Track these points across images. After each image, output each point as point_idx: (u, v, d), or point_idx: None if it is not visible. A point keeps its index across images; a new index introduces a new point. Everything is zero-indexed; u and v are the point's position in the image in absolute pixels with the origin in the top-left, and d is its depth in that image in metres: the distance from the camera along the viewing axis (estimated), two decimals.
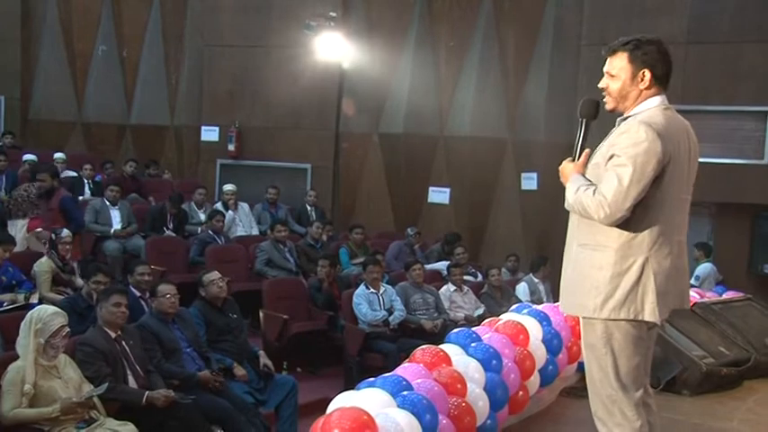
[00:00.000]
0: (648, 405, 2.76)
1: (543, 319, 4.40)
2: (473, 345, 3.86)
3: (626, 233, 2.60)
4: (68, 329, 4.25)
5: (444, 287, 7.77)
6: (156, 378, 4.75)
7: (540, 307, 4.66)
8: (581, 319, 2.75)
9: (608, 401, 2.67)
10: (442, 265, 8.49)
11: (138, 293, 5.74)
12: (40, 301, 5.72)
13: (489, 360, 3.72)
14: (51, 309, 4.39)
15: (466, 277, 8.42)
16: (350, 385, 5.14)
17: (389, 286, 7.31)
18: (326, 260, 7.69)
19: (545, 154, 10.32)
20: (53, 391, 4.08)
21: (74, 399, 4.05)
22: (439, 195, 11.18)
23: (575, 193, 2.64)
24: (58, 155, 10.40)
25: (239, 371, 5.35)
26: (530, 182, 10.64)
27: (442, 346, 3.77)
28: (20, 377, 4.03)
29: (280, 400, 5.36)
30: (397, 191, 11.46)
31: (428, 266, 8.42)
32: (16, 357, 4.15)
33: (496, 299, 8.06)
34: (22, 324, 4.22)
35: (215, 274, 5.71)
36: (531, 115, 10.71)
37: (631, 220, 2.58)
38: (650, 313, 2.59)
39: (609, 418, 2.67)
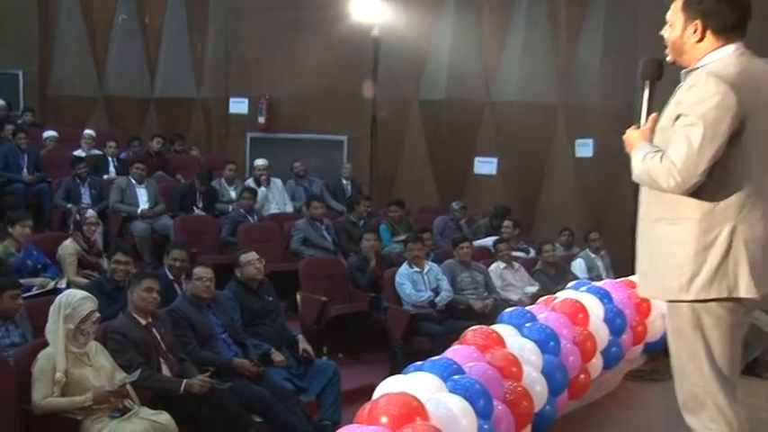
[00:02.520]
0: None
1: (604, 296, 4.34)
2: (528, 325, 3.84)
3: (707, 201, 2.43)
4: (98, 314, 4.33)
5: (494, 265, 7.75)
6: (189, 366, 4.81)
7: (600, 283, 4.61)
8: (666, 303, 2.59)
9: (701, 392, 2.51)
10: (490, 241, 8.45)
11: (171, 276, 5.83)
12: (68, 286, 5.84)
13: (546, 341, 3.70)
14: (80, 293, 4.46)
15: (517, 254, 8.38)
16: (395, 370, 5.14)
17: (434, 264, 7.29)
18: (372, 233, 7.69)
19: (601, 118, 10.16)
20: (84, 380, 4.16)
21: (107, 387, 4.13)
22: (486, 166, 11.11)
23: (641, 161, 2.48)
24: (87, 132, 10.56)
25: (277, 356, 5.40)
26: (584, 149, 10.50)
27: (494, 327, 3.75)
28: (50, 365, 4.12)
29: (321, 387, 5.39)
30: (439, 162, 11.41)
31: (475, 243, 8.40)
32: (46, 344, 4.24)
33: (551, 276, 8.01)
34: (51, 310, 4.31)
35: (252, 255, 5.76)
36: (584, 77, 10.54)
37: (710, 186, 2.41)
38: (746, 288, 2.42)
39: (702, 411, 2.52)
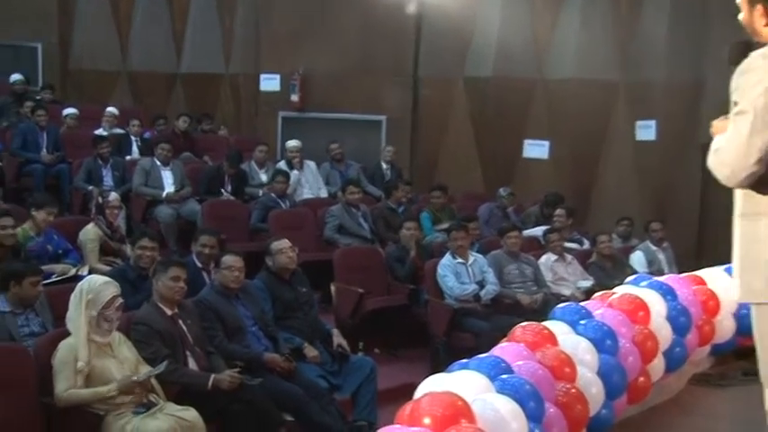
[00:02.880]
0: None
1: (667, 292, 4.30)
2: (583, 322, 3.82)
3: None
4: (122, 300, 4.42)
5: (544, 256, 7.71)
6: (217, 360, 4.87)
7: (662, 278, 4.56)
8: (751, 306, 2.58)
9: None
10: (540, 231, 8.41)
11: (199, 264, 5.90)
12: (90, 273, 5.93)
13: (603, 340, 3.68)
14: (102, 278, 4.55)
15: (570, 245, 8.32)
16: (436, 369, 5.16)
17: (480, 255, 7.28)
18: (413, 222, 7.70)
19: (665, 97, 10.01)
20: (107, 372, 4.24)
21: (133, 377, 4.20)
22: (536, 149, 11.03)
23: (710, 153, 2.49)
24: (109, 109, 10.70)
25: (311, 351, 5.44)
26: (646, 131, 10.36)
27: (546, 324, 3.73)
28: (72, 355, 4.20)
29: (357, 385, 5.41)
30: (486, 144, 11.36)
31: (524, 232, 8.35)
32: (67, 334, 4.33)
33: (607, 270, 7.95)
34: (72, 297, 4.40)
35: (285, 242, 5.80)
36: (648, 51, 10.37)
37: None
38: None
39: None
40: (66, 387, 4.14)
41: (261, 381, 4.74)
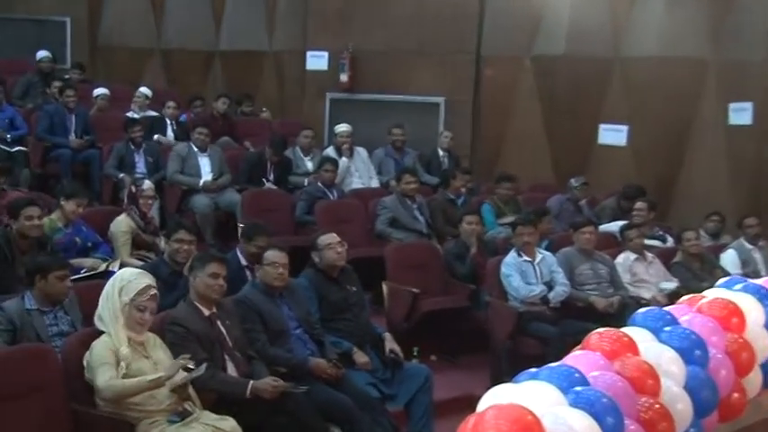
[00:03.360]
0: None
1: (765, 296, 4.20)
2: (667, 329, 3.75)
3: None
4: (156, 291, 4.51)
5: (622, 255, 7.63)
6: (259, 366, 4.92)
7: (760, 281, 4.45)
8: None
9: None
10: (617, 227, 8.32)
11: (245, 262, 5.95)
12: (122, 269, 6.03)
13: (691, 350, 3.60)
14: (135, 270, 4.68)
15: (651, 242, 8.22)
16: (498, 378, 5.16)
17: (548, 253, 7.24)
18: (474, 215, 7.67)
19: (764, 78, 9.78)
20: (142, 374, 4.31)
21: (182, 365, 4.28)
22: (613, 135, 10.89)
23: None
24: (142, 90, 10.86)
25: (361, 357, 5.46)
26: (741, 115, 10.15)
27: (625, 330, 3.67)
28: (110, 350, 4.30)
29: (411, 395, 5.43)
30: (556, 130, 11.26)
31: (599, 228, 8.30)
32: (97, 334, 4.41)
33: (694, 270, 7.83)
34: (104, 293, 4.50)
35: (332, 237, 5.82)
36: (744, 26, 10.15)
37: None
38: None
39: None
40: (109, 377, 4.23)
41: (306, 389, 4.77)
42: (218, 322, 4.87)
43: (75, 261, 6.06)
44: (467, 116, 11.62)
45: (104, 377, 4.22)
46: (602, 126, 11.03)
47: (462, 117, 11.60)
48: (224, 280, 4.89)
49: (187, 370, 4.31)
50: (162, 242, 6.72)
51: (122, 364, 4.27)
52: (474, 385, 6.12)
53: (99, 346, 4.32)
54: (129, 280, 4.47)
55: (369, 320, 5.90)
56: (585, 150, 11.09)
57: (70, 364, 4.37)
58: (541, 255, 7.13)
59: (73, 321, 4.94)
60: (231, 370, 4.78)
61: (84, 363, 4.32)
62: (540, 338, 6.62)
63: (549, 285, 6.96)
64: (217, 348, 4.76)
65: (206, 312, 4.84)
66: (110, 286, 4.50)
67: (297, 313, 5.38)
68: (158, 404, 4.28)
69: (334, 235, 5.85)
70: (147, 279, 4.52)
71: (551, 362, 3.37)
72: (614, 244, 8.08)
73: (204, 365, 4.40)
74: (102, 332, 4.41)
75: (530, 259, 7.03)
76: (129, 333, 4.40)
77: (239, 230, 7.12)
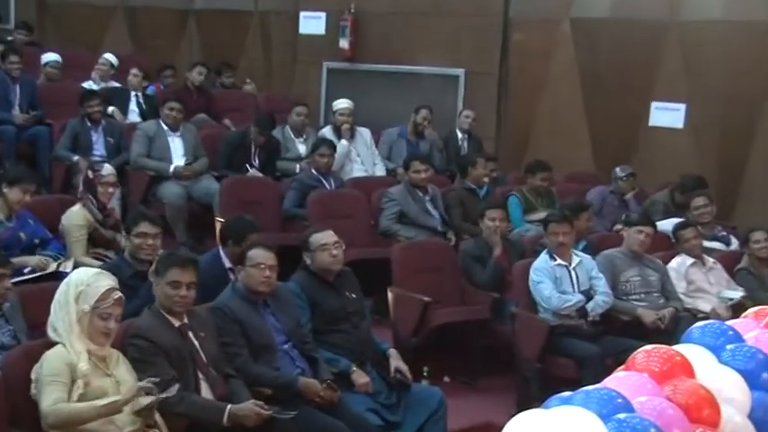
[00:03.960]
0: None
1: None
2: (730, 347, 3.76)
3: None
4: (120, 294, 4.49)
5: (676, 259, 7.63)
6: (239, 386, 4.92)
7: None
8: None
9: None
10: (670, 225, 8.30)
11: (229, 264, 5.97)
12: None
13: (757, 373, 3.62)
14: (93, 269, 4.67)
15: (711, 244, 8.21)
16: (525, 404, 5.13)
17: (587, 256, 7.22)
18: (498, 210, 7.66)
19: None
20: (104, 394, 4.30)
21: (144, 389, 4.26)
22: (667, 115, 10.87)
23: None
24: (107, 56, 10.83)
25: (360, 377, 5.46)
26: None
27: (677, 348, 3.68)
28: (64, 364, 4.26)
29: (420, 424, 5.43)
30: (598, 108, 11.24)
31: None
32: (47, 347, 4.38)
33: (763, 278, 7.83)
34: (57, 299, 4.46)
35: (327, 236, 5.81)
36: None
37: None
38: None
39: None
40: (55, 399, 4.19)
41: (294, 415, 4.77)
42: (191, 334, 4.87)
43: (18, 260, 6.05)
44: (491, 92, 11.62)
45: (50, 399, 4.19)
46: (655, 104, 11.01)
47: (485, 93, 11.59)
48: (190, 289, 4.85)
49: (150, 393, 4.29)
50: (123, 238, 6.72)
51: (79, 382, 4.24)
52: (496, 413, 6.11)
53: (53, 357, 4.29)
54: (87, 283, 4.44)
55: (370, 334, 5.90)
56: (633, 134, 11.08)
57: (12, 382, 4.34)
58: (579, 258, 7.11)
59: (15, 332, 4.93)
60: (205, 391, 4.77)
61: (33, 376, 4.30)
62: (575, 358, 6.61)
63: (588, 294, 6.94)
64: (188, 365, 4.75)
65: (176, 323, 4.84)
66: (63, 291, 4.47)
67: (285, 324, 5.39)
68: (117, 430, 4.28)
69: (330, 233, 5.84)
70: (108, 280, 4.51)
71: (589, 385, 3.37)
72: (667, 246, 8.08)
73: (176, 386, 4.39)
74: (56, 342, 4.40)
75: (565, 263, 7.01)
76: (90, 345, 4.37)
77: (217, 226, 7.11)
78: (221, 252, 6.10)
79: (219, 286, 5.53)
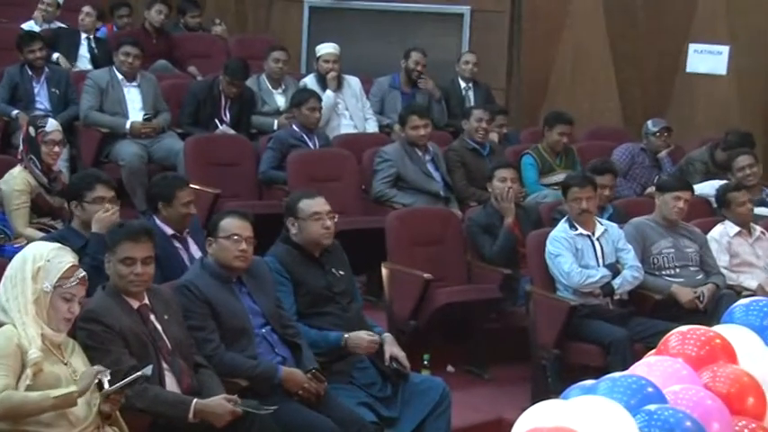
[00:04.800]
0: None
1: None
2: None
3: None
4: (84, 273, 4.47)
5: (718, 228, 7.62)
6: (209, 377, 4.95)
7: None
8: None
9: None
10: (711, 189, 8.32)
11: (169, 231, 5.97)
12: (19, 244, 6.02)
13: None
14: (53, 244, 4.62)
15: (759, 210, 8.18)
16: (542, 396, 5.17)
17: (613, 225, 7.24)
18: (509, 169, 7.68)
19: None
20: (56, 382, 4.29)
21: (101, 375, 4.25)
22: (707, 60, 10.89)
23: None
24: None
25: (355, 344, 5.52)
26: None
27: (719, 329, 3.71)
28: (12, 345, 4.24)
29: (420, 419, 5.46)
30: (626, 53, 11.25)
31: None
32: None
33: None
34: (10, 272, 4.43)
35: (320, 203, 5.78)
36: None
37: None
38: None
39: None
40: (2, 386, 4.17)
41: (273, 410, 4.80)
42: (152, 317, 4.88)
43: None
44: (501, 33, 11.62)
45: None
46: (693, 47, 11.02)
47: (495, 34, 11.59)
48: (147, 265, 4.83)
49: (100, 386, 4.30)
50: (72, 205, 6.72)
51: (28, 371, 4.21)
52: (507, 406, 6.18)
53: (1, 337, 4.26)
54: (47, 258, 4.40)
55: (362, 316, 5.92)
56: (668, 82, 11.10)
57: None
58: (603, 227, 7.12)
59: None
60: (171, 383, 4.79)
61: None
62: (600, 343, 6.64)
63: (614, 269, 6.96)
64: (150, 353, 4.76)
65: (134, 304, 4.85)
66: (18, 266, 4.42)
67: (262, 305, 5.40)
68: (70, 427, 4.27)
69: (323, 201, 5.82)
70: (70, 257, 4.48)
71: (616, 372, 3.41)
72: (706, 212, 8.09)
73: (150, 366, 4.40)
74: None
75: (587, 233, 7.02)
76: (45, 330, 4.35)
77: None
78: (156, 221, 5.97)
79: (169, 260, 5.55)
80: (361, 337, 5.55)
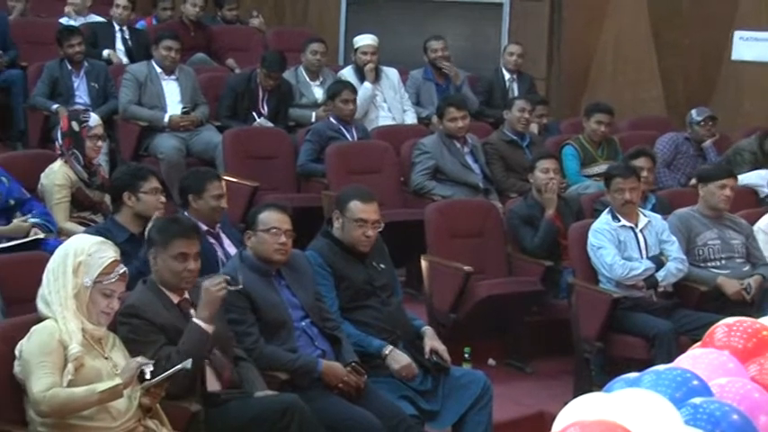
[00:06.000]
0: None
1: None
2: None
3: None
4: (125, 269, 4.51)
5: (765, 218, 7.58)
6: (249, 370, 4.99)
7: None
8: None
9: None
10: (761, 179, 8.27)
11: (203, 227, 5.93)
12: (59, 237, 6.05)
13: None
14: (94, 237, 4.66)
15: None
16: (584, 390, 5.16)
17: (656, 216, 7.22)
18: (551, 159, 7.67)
19: None
20: (98, 376, 4.34)
21: (144, 366, 4.29)
22: (753, 47, 10.80)
23: None
24: None
25: (397, 360, 5.47)
26: None
27: (764, 321, 3.69)
28: (55, 341, 4.29)
29: (461, 413, 5.46)
30: (670, 40, 11.19)
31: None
32: (27, 325, 4.41)
33: None
34: (52, 266, 4.47)
35: (371, 211, 5.66)
36: None
37: None
38: None
39: None
40: (48, 384, 4.21)
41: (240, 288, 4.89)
42: (192, 312, 4.90)
43: None
44: (542, 22, 11.58)
45: (42, 383, 4.22)
46: (738, 34, 10.94)
47: (535, 24, 11.56)
48: (198, 261, 4.89)
49: (141, 378, 4.33)
50: (126, 196, 6.74)
51: (69, 366, 4.25)
52: (549, 400, 6.17)
53: (42, 332, 4.32)
54: (88, 253, 4.43)
55: (402, 310, 5.92)
56: (713, 70, 11.03)
57: None
58: (647, 218, 7.11)
59: None
60: (211, 376, 4.84)
61: (17, 353, 4.35)
62: (644, 336, 6.63)
63: (658, 261, 6.94)
64: None
65: (175, 299, 4.89)
66: (60, 260, 4.46)
67: (302, 299, 5.43)
68: (112, 421, 4.31)
69: (374, 208, 5.73)
70: (111, 252, 4.51)
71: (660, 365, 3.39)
72: (753, 203, 8.05)
73: (190, 360, 4.42)
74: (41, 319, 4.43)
75: (630, 224, 7.01)
76: (86, 324, 4.39)
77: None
78: (188, 217, 5.91)
79: (205, 255, 5.57)
80: (402, 358, 5.49)
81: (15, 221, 6.25)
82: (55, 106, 8.60)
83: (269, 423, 4.72)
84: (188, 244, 4.87)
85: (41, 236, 6.09)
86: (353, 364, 5.27)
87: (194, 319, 4.71)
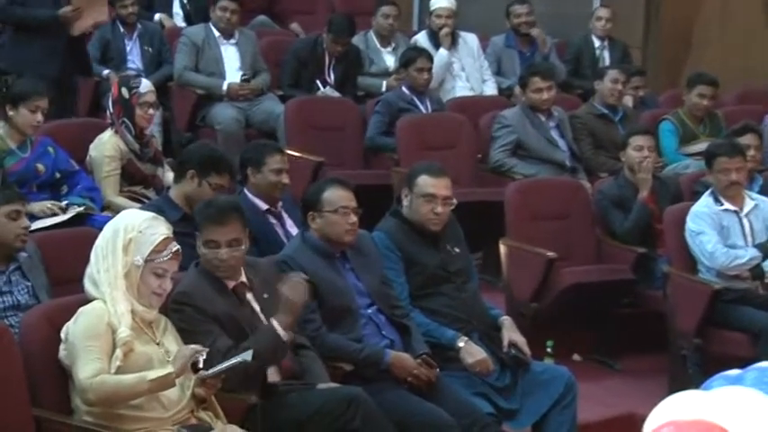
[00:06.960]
0: None
1: None
2: None
3: None
4: (178, 246, 4.55)
5: None
6: (312, 359, 5.03)
7: None
8: None
9: None
10: None
11: (263, 206, 6.02)
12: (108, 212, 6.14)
13: None
14: (146, 213, 4.73)
15: None
16: (680, 389, 5.13)
17: (764, 199, 7.14)
18: (646, 136, 7.61)
19: None
20: (148, 363, 4.40)
21: (198, 355, 4.33)
22: None
23: None
24: None
25: (472, 354, 5.46)
26: None
27: None
28: (103, 324, 4.35)
29: (542, 412, 5.46)
30: None
31: None
32: (75, 305, 4.47)
33: None
34: (100, 242, 4.54)
35: (441, 186, 5.68)
36: None
37: None
38: None
39: None
40: (95, 370, 4.28)
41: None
42: (249, 296, 4.97)
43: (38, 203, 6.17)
44: None
45: (89, 369, 4.28)
46: None
47: None
48: (234, 247, 4.88)
49: (194, 367, 4.36)
50: (165, 174, 6.81)
51: (118, 352, 4.31)
52: (640, 400, 6.12)
53: (90, 314, 4.38)
54: (139, 230, 4.49)
55: (478, 298, 5.93)
56: None
57: (32, 350, 4.47)
58: (754, 202, 7.03)
59: (33, 288, 5.08)
60: (270, 368, 4.88)
61: (63, 336, 4.42)
62: (747, 331, 6.59)
63: (765, 250, 6.87)
64: (247, 335, 4.84)
65: (230, 283, 4.94)
66: (110, 236, 4.52)
67: (368, 284, 5.45)
68: (163, 411, 4.39)
69: (445, 183, 5.77)
70: (164, 228, 4.56)
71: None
72: None
73: (250, 351, 4.44)
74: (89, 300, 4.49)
75: (735, 208, 6.95)
76: (136, 306, 4.45)
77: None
78: (247, 195, 6.03)
79: (266, 236, 5.60)
80: (477, 351, 5.45)
81: (44, 203, 6.27)
82: (106, 71, 8.71)
83: (331, 417, 4.74)
84: (219, 230, 4.88)
85: (82, 209, 6.17)
86: (424, 355, 5.28)
87: (273, 320, 4.75)
